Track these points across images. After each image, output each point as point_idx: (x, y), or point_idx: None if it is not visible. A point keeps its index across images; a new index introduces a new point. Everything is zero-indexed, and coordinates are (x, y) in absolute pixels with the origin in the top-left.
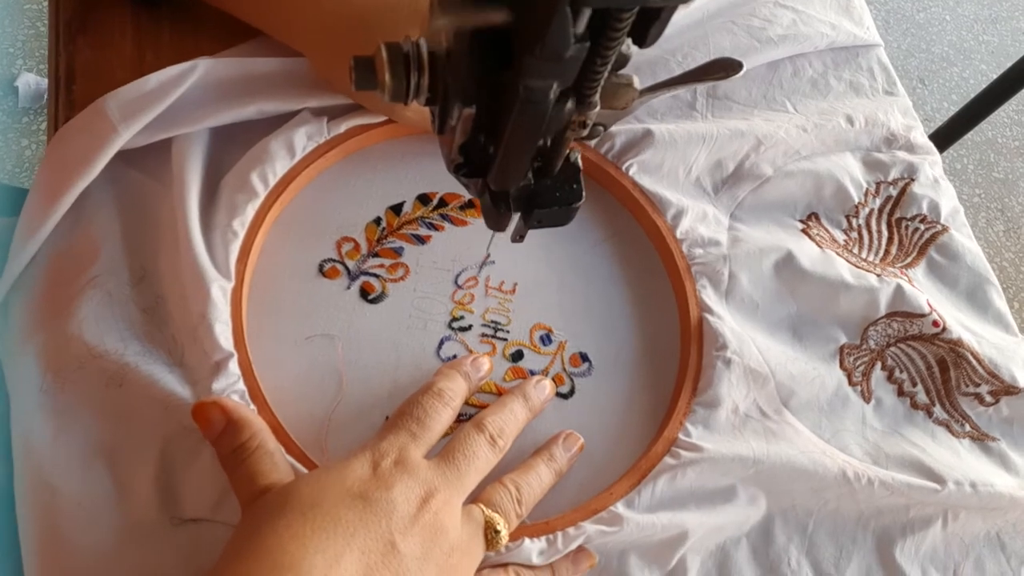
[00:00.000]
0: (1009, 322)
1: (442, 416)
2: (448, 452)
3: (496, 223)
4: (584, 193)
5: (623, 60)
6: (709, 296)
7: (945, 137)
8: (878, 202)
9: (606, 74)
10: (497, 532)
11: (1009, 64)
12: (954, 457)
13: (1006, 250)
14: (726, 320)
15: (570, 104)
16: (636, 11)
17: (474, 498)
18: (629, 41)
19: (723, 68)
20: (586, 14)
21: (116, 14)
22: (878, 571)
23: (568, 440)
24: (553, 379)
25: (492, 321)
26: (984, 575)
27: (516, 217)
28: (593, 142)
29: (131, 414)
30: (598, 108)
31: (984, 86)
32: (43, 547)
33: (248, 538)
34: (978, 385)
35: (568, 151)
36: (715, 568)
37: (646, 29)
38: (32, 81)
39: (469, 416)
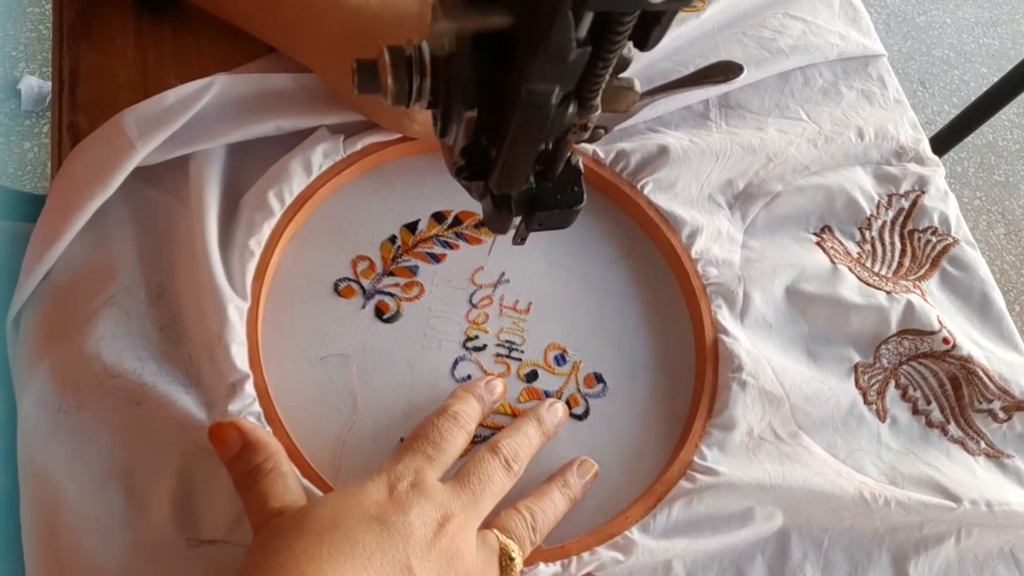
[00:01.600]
0: (1018, 342)
1: (457, 439)
2: (463, 476)
3: (497, 226)
4: (585, 196)
5: (624, 63)
6: (724, 316)
7: (946, 140)
8: (890, 214)
9: (607, 77)
10: (511, 559)
11: (1010, 67)
12: (969, 475)
13: (1007, 253)
14: (741, 341)
15: (572, 107)
16: (637, 15)
17: (488, 523)
18: (631, 44)
19: (723, 71)
20: (588, 18)
21: (119, 17)
22: None
23: (583, 467)
24: (568, 400)
25: (507, 341)
26: None
27: (517, 220)
28: (608, 159)
29: (148, 434)
30: (599, 111)
31: (984, 89)
32: (53, 563)
33: (264, 559)
34: (990, 401)
35: (569, 154)
36: None
37: (647, 32)
38: (35, 84)
39: (484, 438)
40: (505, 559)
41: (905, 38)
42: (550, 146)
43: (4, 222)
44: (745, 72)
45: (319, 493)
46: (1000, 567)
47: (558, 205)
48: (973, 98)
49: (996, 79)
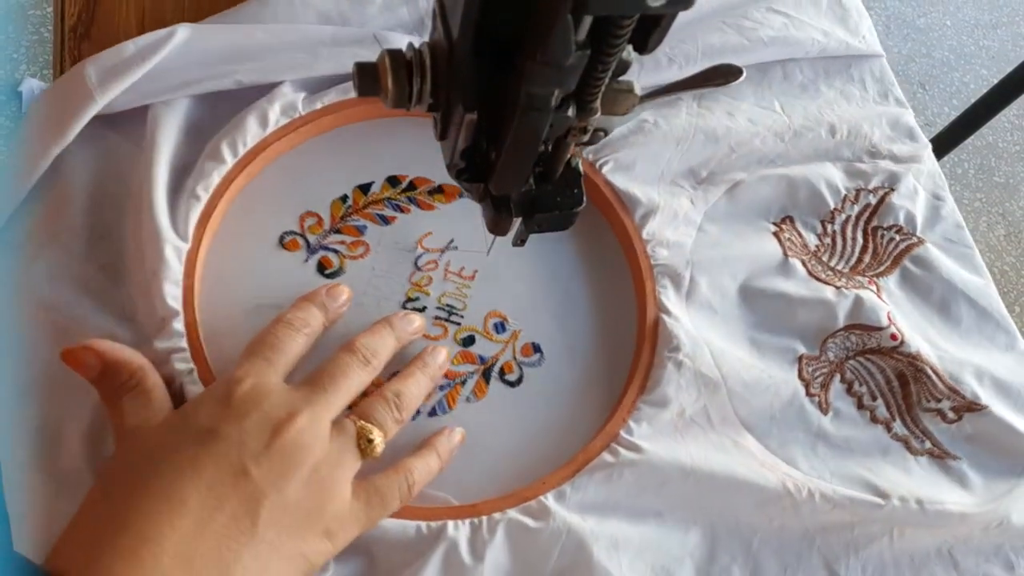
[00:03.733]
0: (1012, 330)
1: (296, 341)
2: (315, 375)
3: (497, 228)
4: (585, 198)
5: (624, 66)
6: (669, 298)
7: (946, 142)
8: (856, 209)
9: (607, 80)
10: (371, 441)
11: (1010, 69)
12: (903, 475)
13: (1007, 254)
14: (683, 323)
15: (571, 110)
16: (636, 18)
17: (349, 413)
18: (630, 48)
19: (723, 74)
20: (587, 21)
21: (120, 20)
22: None
23: (435, 350)
24: (502, 367)
25: (447, 305)
26: None
27: (517, 222)
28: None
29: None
30: (599, 114)
31: (985, 91)
32: None
33: (102, 493)
34: (939, 401)
35: (569, 156)
36: None
37: (647, 36)
38: (36, 87)
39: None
40: (363, 442)
41: (905, 40)
42: (550, 148)
43: None
44: (712, 60)
45: None
46: (938, 568)
47: (558, 207)
48: (973, 100)
49: (996, 81)
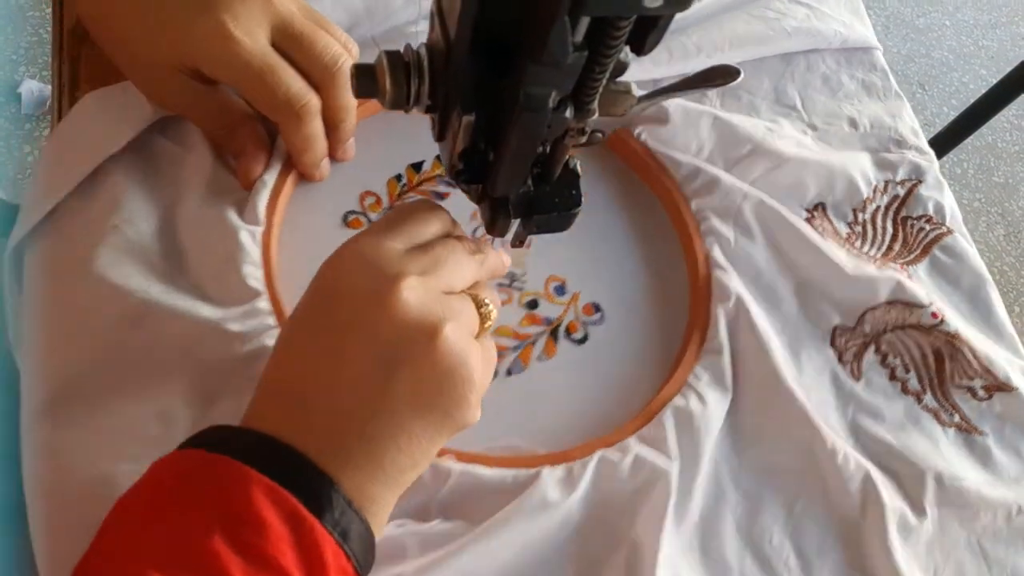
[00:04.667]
0: (1010, 333)
1: (466, 267)
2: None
3: (495, 229)
4: (583, 199)
5: (621, 67)
6: (717, 254)
7: (945, 142)
8: (885, 199)
9: (604, 81)
10: (485, 304)
11: (1009, 69)
12: (931, 446)
13: (1006, 254)
14: (732, 278)
15: (569, 111)
16: (634, 19)
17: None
18: (627, 49)
19: (722, 75)
20: (584, 22)
21: None
22: (858, 562)
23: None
24: (567, 326)
25: (509, 272)
26: None
27: (515, 223)
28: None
29: (152, 354)
30: (596, 115)
31: (984, 91)
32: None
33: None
34: (972, 379)
35: (567, 157)
36: (697, 538)
37: (644, 37)
38: (35, 88)
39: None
40: (480, 306)
41: (904, 40)
42: (547, 149)
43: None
44: (747, 50)
45: None
46: (967, 555)
47: (556, 208)
48: (972, 100)
49: (995, 81)
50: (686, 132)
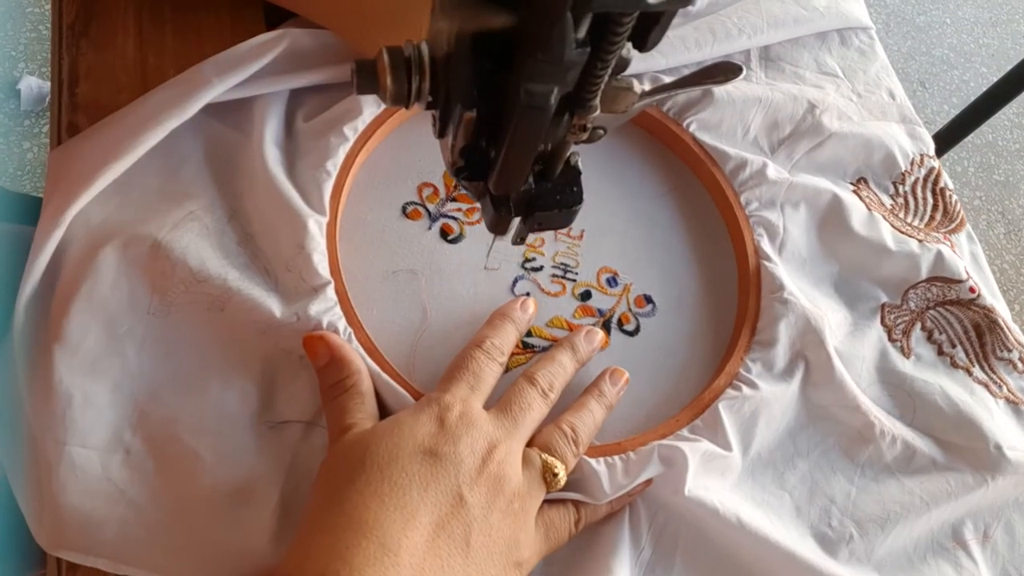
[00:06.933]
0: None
1: (493, 370)
2: (504, 404)
3: (496, 226)
4: (583, 196)
5: (623, 64)
6: (766, 245)
7: (945, 140)
8: (923, 171)
9: (606, 78)
10: (555, 475)
11: (1009, 67)
12: (989, 417)
13: (1007, 252)
14: (781, 268)
15: (570, 108)
16: (636, 16)
17: (531, 442)
18: (629, 45)
19: (724, 72)
20: (587, 19)
21: (118, 17)
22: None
23: (614, 375)
24: (619, 318)
25: (562, 263)
26: (1014, 538)
27: (516, 220)
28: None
29: (232, 336)
30: (598, 112)
31: (984, 89)
32: (154, 446)
33: (331, 497)
34: (1010, 351)
35: (568, 154)
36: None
37: (646, 33)
38: (34, 84)
39: (543, 348)
40: (549, 475)
41: (905, 38)
42: (549, 147)
43: (4, 224)
44: (785, 30)
45: (398, 388)
46: (1016, 516)
47: (557, 205)
48: (973, 98)
49: (996, 79)
50: (732, 118)
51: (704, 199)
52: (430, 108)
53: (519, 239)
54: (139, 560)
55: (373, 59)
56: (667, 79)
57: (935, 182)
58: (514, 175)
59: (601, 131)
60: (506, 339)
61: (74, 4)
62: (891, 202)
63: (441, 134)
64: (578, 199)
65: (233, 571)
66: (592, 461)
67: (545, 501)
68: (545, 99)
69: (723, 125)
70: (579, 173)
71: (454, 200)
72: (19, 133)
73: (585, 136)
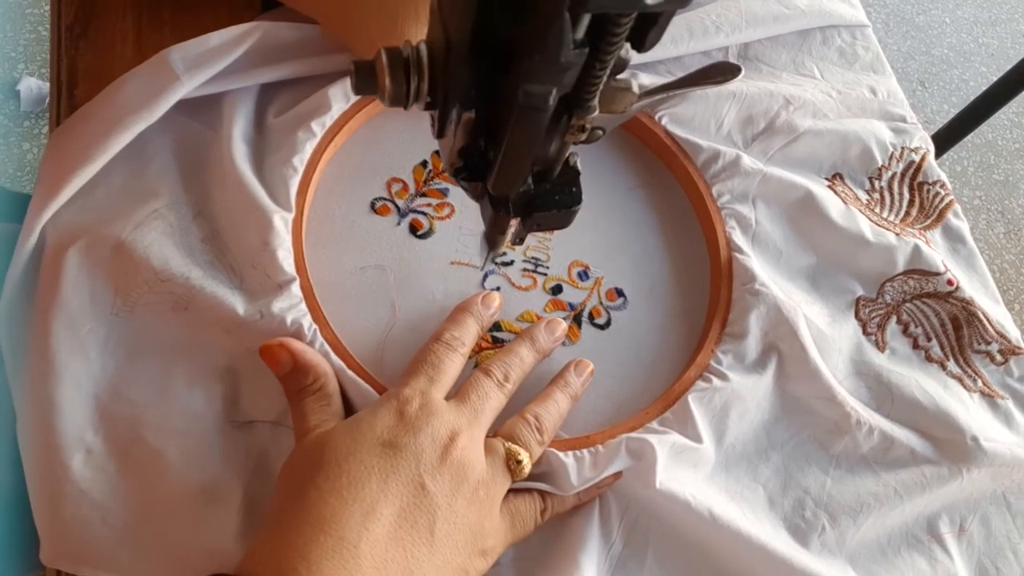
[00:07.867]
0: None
1: (454, 361)
2: (462, 394)
3: (496, 227)
4: (583, 196)
5: (622, 64)
6: (738, 237)
7: (945, 139)
8: (901, 166)
9: (605, 78)
10: (519, 462)
11: (1009, 66)
12: (964, 410)
13: (1007, 252)
14: (753, 260)
15: (569, 109)
16: (634, 16)
17: (496, 432)
18: (628, 46)
19: (722, 72)
20: (585, 20)
21: (117, 18)
22: (890, 522)
23: (579, 366)
24: (590, 312)
25: (533, 257)
26: (990, 531)
27: (515, 220)
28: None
29: (196, 336)
30: (597, 112)
31: (984, 88)
32: (122, 451)
33: (291, 495)
34: (989, 344)
35: (567, 155)
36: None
37: (644, 34)
38: (34, 85)
39: (505, 342)
40: (512, 462)
41: (904, 37)
42: (548, 147)
43: (4, 224)
44: (764, 28)
45: (364, 385)
46: (992, 509)
47: (556, 206)
48: (972, 97)
49: (995, 78)
50: (705, 112)
51: (676, 192)
52: (428, 109)
53: (518, 240)
54: (102, 561)
55: (371, 60)
56: (643, 76)
57: (913, 176)
58: (513, 176)
59: (600, 131)
60: (466, 332)
61: (73, 5)
62: (867, 197)
63: (440, 135)
64: (577, 199)
65: (199, 572)
66: (560, 454)
67: (511, 490)
68: (543, 100)
69: (696, 119)
70: (578, 173)
71: (423, 195)
72: (19, 134)
73: (584, 136)
